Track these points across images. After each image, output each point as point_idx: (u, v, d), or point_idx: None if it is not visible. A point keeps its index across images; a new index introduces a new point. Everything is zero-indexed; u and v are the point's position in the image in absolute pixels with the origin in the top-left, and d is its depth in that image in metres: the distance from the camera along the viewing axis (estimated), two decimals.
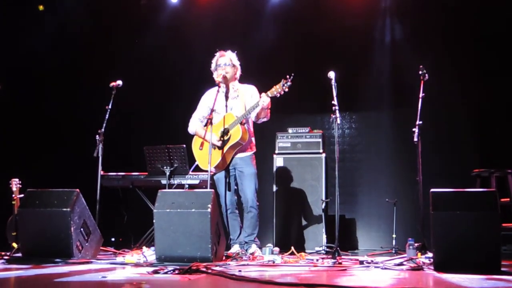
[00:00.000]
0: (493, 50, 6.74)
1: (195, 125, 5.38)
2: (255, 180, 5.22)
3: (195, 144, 5.31)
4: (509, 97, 6.61)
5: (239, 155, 5.22)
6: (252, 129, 5.34)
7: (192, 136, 5.41)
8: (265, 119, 5.19)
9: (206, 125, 4.97)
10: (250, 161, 5.25)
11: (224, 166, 5.21)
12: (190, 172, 5.77)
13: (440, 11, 7.01)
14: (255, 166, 5.27)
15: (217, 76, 5.24)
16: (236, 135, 5.08)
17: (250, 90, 5.33)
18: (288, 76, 4.91)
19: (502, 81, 6.66)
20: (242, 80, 5.44)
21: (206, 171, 5.03)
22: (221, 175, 5.27)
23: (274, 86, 4.97)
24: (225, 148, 5.12)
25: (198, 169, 5.52)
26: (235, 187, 5.30)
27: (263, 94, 5.00)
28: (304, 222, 6.33)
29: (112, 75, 5.91)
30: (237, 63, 5.35)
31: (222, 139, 5.10)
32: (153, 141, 6.02)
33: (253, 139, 5.33)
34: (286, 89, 4.94)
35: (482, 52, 6.78)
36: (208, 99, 5.33)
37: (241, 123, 5.08)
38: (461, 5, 6.85)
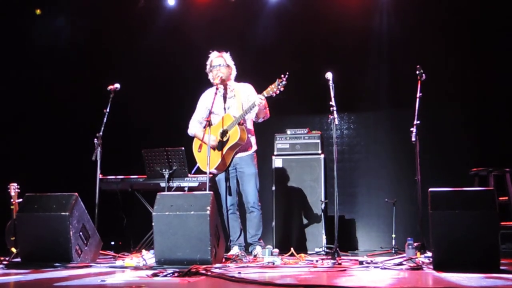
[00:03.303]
0: (491, 48, 6.74)
1: (194, 127, 5.38)
2: (256, 180, 5.24)
3: (195, 146, 5.33)
4: (507, 95, 6.61)
5: (239, 154, 5.23)
6: (252, 128, 5.34)
7: (191, 139, 5.43)
8: (264, 118, 5.20)
9: (205, 127, 5.00)
10: (250, 161, 5.26)
11: (225, 167, 5.21)
12: (191, 175, 5.77)
13: (437, 11, 7.02)
14: (256, 166, 5.28)
15: (213, 78, 5.25)
16: (234, 136, 5.08)
17: (246, 88, 5.33)
18: (283, 76, 4.89)
19: (500, 80, 6.66)
20: (240, 80, 5.45)
21: (206, 173, 5.04)
22: (222, 176, 5.28)
23: (270, 86, 4.97)
24: (225, 149, 5.12)
25: (199, 171, 5.52)
26: (237, 188, 5.30)
27: (259, 95, 5.01)
28: (303, 223, 6.33)
29: (110, 78, 5.90)
30: (231, 63, 5.35)
31: (221, 140, 5.11)
32: (151, 144, 6.02)
33: (253, 138, 5.34)
34: (282, 88, 4.91)
35: (480, 50, 6.78)
36: (206, 101, 5.34)
37: (239, 124, 5.09)
38: (459, 4, 6.86)
